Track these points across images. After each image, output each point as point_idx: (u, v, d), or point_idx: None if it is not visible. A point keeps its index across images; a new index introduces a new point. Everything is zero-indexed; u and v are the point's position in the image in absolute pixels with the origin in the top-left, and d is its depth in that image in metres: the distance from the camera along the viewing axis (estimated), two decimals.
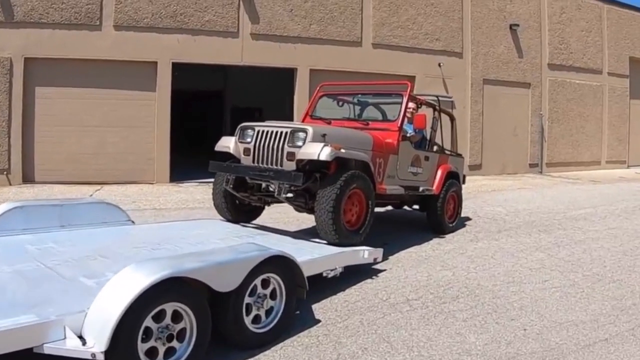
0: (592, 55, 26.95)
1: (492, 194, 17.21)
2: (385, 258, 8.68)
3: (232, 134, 24.13)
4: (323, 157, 7.69)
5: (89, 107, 17.05)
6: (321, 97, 11.07)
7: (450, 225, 11.47)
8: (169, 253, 6.60)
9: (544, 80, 25.06)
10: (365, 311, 6.57)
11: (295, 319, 6.09)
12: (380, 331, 6.00)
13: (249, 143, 8.60)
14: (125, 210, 9.07)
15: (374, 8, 20.39)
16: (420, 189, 10.56)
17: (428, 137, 11.36)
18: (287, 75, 19.92)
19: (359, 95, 11.10)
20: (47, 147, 16.73)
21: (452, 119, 12.76)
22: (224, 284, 5.02)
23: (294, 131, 8.13)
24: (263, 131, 8.47)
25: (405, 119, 10.10)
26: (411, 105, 10.66)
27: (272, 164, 8.28)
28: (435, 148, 11.58)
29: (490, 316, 6.49)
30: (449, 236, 10.96)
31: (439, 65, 21.68)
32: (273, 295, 5.65)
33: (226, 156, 9.07)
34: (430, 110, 11.67)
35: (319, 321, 6.21)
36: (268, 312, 5.59)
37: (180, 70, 20.91)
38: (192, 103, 31.66)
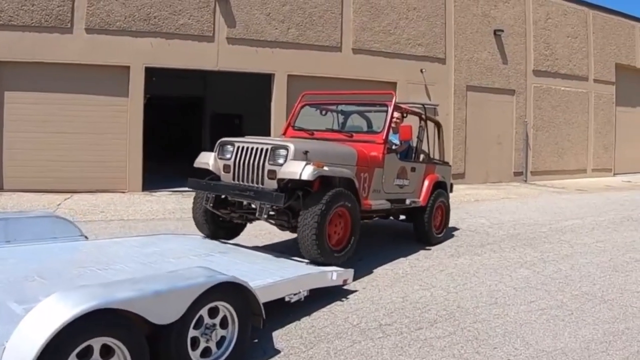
0: (577, 61, 26.53)
1: (475, 205, 16.65)
2: (360, 276, 8.24)
3: (211, 140, 23.67)
4: (305, 177, 7.42)
5: (60, 113, 16.38)
6: (303, 106, 10.83)
7: (438, 236, 11.17)
8: (115, 275, 5.95)
9: (529, 87, 24.57)
10: (333, 339, 5.99)
11: (255, 349, 5.56)
12: None
13: (228, 159, 8.33)
14: (92, 221, 8.53)
15: (354, 12, 19.85)
16: (407, 201, 10.24)
17: (414, 146, 11.04)
18: (267, 81, 19.29)
19: (343, 105, 10.98)
20: (16, 154, 16.09)
21: (438, 126, 12.58)
22: (164, 315, 4.43)
23: (275, 148, 7.86)
24: (243, 147, 8.19)
25: (391, 130, 9.87)
26: (396, 114, 10.39)
27: (252, 182, 8.03)
28: (422, 157, 11.30)
29: (471, 344, 5.89)
30: (428, 251, 10.37)
31: (421, 71, 21.13)
32: (224, 324, 5.10)
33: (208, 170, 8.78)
34: (416, 118, 11.35)
35: (280, 350, 5.65)
36: (219, 343, 5.04)
37: (158, 75, 20.44)
38: (172, 109, 31.25)
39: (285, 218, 8.24)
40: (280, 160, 7.73)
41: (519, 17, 24.10)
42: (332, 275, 7.18)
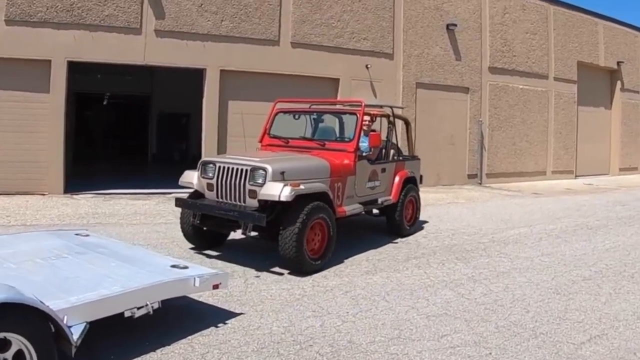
0: (537, 59, 25.37)
1: None
2: (247, 297, 7.25)
3: (158, 141, 22.50)
4: (284, 198, 8.15)
5: None
6: (277, 114, 11.44)
7: (409, 228, 12.00)
8: None
9: (485, 85, 23.30)
10: None
11: None
12: None
13: (211, 179, 9.14)
14: None
15: (294, 4, 18.50)
16: (379, 200, 11.07)
17: (383, 147, 11.58)
18: None
19: (314, 114, 11.51)
20: None
21: (407, 123, 13.42)
22: None
23: (254, 169, 8.59)
24: (224, 167, 8.97)
25: (362, 132, 10.43)
26: (366, 118, 10.87)
27: (235, 200, 8.83)
28: (392, 152, 11.92)
29: None
30: (340, 267, 9.07)
31: (367, 67, 19.84)
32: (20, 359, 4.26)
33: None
34: (384, 120, 12.22)
35: None
36: None
37: (103, 72, 19.24)
38: (119, 109, 31.31)
39: (266, 232, 8.78)
40: (260, 181, 8.48)
41: (474, 11, 22.86)
42: (195, 281, 6.08)
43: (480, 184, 22.95)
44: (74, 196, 15.69)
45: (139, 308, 5.37)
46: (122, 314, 5.25)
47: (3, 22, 15.34)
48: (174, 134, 27.97)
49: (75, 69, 16.60)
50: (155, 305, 5.54)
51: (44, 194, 15.66)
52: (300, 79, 18.37)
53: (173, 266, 6.45)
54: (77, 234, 8.08)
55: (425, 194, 17.42)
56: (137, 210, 13.82)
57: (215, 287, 6.36)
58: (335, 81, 19.33)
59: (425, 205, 14.89)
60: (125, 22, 16.40)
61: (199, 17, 17.18)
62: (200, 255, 9.53)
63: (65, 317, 4.61)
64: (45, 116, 15.84)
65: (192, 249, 9.84)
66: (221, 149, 17.21)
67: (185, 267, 6.42)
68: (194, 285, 6.07)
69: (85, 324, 4.74)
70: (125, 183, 17.93)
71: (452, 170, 22.31)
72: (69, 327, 4.58)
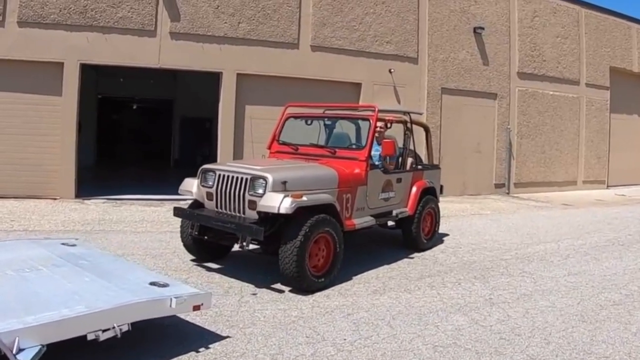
0: (568, 64, 24.55)
1: None
2: (238, 317, 6.69)
3: (180, 146, 22.36)
4: (283, 211, 7.64)
5: None
6: (287, 119, 10.99)
7: (426, 242, 11.34)
8: None
9: (513, 91, 22.50)
10: None
11: None
12: None
13: (210, 187, 8.71)
14: None
15: (314, 6, 17.97)
16: (394, 212, 10.44)
17: (399, 155, 11.05)
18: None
19: (326, 120, 10.99)
20: None
21: (426, 130, 12.82)
22: None
23: (254, 178, 8.14)
24: (224, 176, 8.54)
25: (375, 141, 10.01)
26: (380, 124, 10.44)
27: (234, 211, 8.38)
28: (410, 161, 11.27)
29: None
30: (346, 285, 8.45)
31: (390, 71, 19.19)
32: None
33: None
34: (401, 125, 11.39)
35: None
36: None
37: (125, 76, 18.92)
38: (140, 112, 31.65)
39: (266, 246, 8.46)
40: (260, 190, 7.99)
41: (502, 14, 22.10)
42: (171, 302, 5.50)
43: (507, 193, 22.17)
44: (85, 201, 15.42)
45: (104, 331, 4.92)
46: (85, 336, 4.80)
47: (16, 24, 15.22)
48: (197, 138, 27.80)
49: (99, 72, 16.34)
50: (124, 328, 5.06)
51: (55, 199, 15.42)
52: (320, 83, 17.85)
53: (152, 283, 5.92)
54: (63, 244, 7.73)
55: (449, 204, 16.80)
56: (145, 217, 13.43)
57: (196, 308, 5.83)
58: (357, 86, 18.75)
59: (447, 216, 14.24)
60: (140, 24, 16.09)
61: (216, 19, 16.75)
62: (200, 268, 9.09)
63: (17, 338, 4.28)
64: (57, 119, 15.66)
65: (192, 260, 9.44)
66: (237, 154, 16.84)
67: (165, 285, 5.87)
68: (170, 306, 5.51)
69: (40, 346, 4.40)
70: (142, 188, 17.68)
71: (478, 180, 21.58)
72: (21, 350, 4.27)
